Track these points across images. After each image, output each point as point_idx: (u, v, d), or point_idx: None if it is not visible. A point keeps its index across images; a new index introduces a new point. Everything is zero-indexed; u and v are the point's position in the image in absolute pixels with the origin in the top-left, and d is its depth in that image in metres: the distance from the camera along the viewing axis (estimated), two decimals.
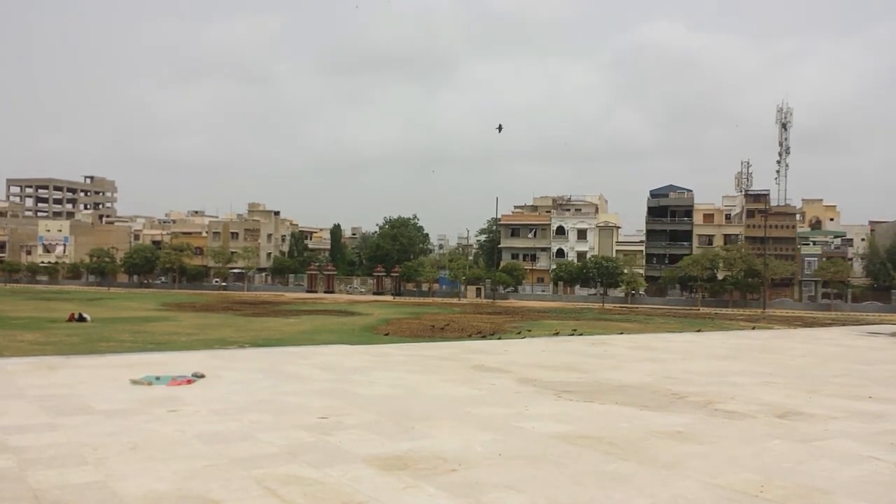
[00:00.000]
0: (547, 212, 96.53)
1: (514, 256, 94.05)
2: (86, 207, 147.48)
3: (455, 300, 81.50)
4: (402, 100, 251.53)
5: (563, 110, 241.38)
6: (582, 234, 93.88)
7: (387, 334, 34.43)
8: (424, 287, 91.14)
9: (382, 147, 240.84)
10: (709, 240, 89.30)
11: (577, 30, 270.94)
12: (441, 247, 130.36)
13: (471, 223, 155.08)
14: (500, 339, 27.14)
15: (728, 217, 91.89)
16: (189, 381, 8.71)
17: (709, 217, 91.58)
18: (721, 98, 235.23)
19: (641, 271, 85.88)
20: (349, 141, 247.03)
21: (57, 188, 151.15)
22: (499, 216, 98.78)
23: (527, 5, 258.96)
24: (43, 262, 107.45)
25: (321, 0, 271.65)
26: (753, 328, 37.96)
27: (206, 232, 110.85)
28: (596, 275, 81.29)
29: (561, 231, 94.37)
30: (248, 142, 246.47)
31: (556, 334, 38.51)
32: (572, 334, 28.49)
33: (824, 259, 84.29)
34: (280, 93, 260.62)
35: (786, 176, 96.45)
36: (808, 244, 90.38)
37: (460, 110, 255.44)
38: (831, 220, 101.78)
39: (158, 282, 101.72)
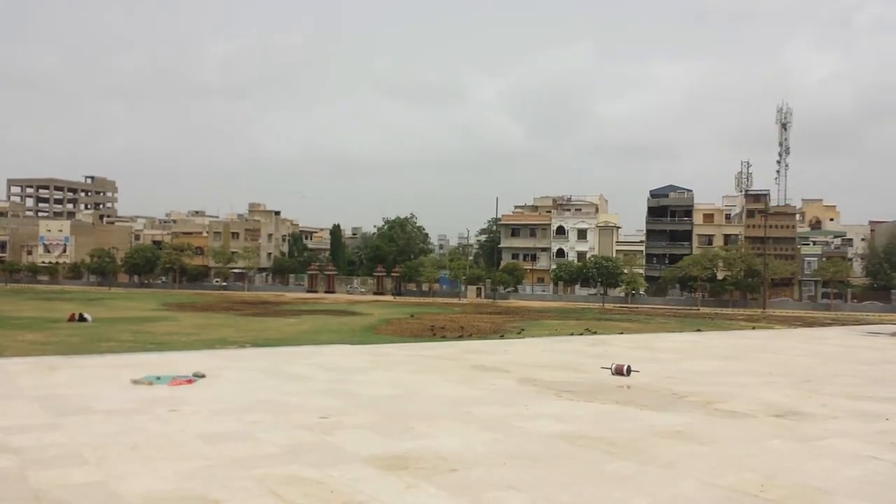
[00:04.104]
0: (547, 212, 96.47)
1: (515, 256, 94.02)
2: (86, 207, 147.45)
3: (455, 300, 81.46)
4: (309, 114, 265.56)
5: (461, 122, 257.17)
6: (582, 234, 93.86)
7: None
8: (425, 287, 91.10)
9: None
10: (709, 240, 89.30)
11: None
12: (441, 247, 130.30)
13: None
14: (501, 338, 27.15)
15: (728, 217, 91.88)
16: (190, 381, 8.72)
17: (709, 217, 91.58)
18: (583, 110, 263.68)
19: (641, 271, 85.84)
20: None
21: (58, 188, 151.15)
22: (499, 216, 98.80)
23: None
24: (43, 262, 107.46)
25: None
26: (753, 328, 37.94)
27: (207, 232, 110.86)
28: (596, 275, 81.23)
29: (561, 231, 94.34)
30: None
31: (556, 333, 38.59)
32: (582, 334, 28.42)
33: (824, 259, 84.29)
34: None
35: (786, 176, 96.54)
36: (807, 244, 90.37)
37: (364, 125, 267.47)
38: (831, 220, 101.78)
39: (159, 282, 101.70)
